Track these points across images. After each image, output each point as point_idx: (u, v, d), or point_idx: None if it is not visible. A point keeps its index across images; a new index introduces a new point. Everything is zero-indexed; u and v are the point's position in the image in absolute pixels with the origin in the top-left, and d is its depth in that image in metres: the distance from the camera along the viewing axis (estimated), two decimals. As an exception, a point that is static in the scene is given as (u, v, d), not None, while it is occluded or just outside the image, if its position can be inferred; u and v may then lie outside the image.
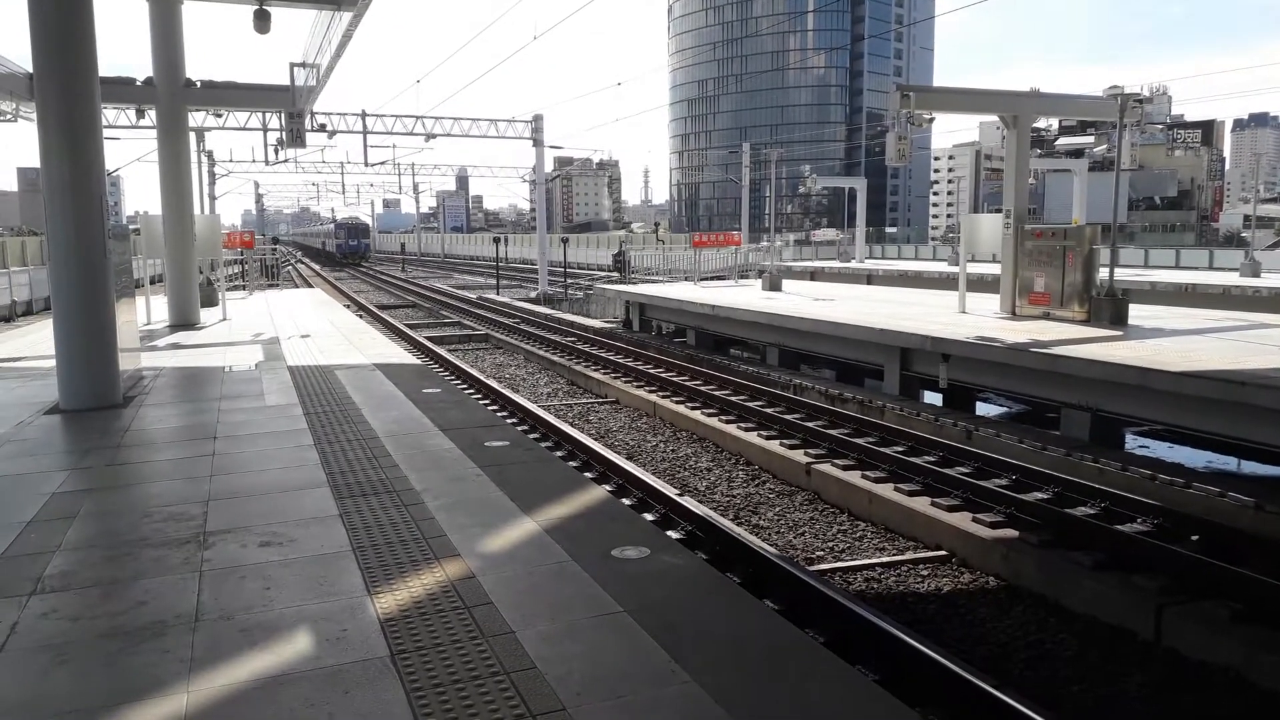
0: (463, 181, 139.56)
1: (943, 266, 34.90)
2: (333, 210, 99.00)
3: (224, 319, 18.04)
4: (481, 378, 15.44)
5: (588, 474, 9.29)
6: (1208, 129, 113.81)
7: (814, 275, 34.57)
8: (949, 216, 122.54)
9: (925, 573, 7.34)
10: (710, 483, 9.93)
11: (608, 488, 8.57)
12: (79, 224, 8.55)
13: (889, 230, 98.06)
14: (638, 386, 14.85)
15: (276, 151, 32.41)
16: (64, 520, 5.30)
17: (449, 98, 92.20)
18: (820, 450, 10.27)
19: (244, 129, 31.79)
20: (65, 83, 8.59)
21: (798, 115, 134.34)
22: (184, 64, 17.24)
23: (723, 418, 12.23)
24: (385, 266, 71.10)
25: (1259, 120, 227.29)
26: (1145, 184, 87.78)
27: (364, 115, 36.60)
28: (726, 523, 7.95)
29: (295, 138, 20.65)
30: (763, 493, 9.56)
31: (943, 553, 7.66)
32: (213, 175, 42.04)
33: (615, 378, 15.75)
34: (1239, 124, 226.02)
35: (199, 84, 17.81)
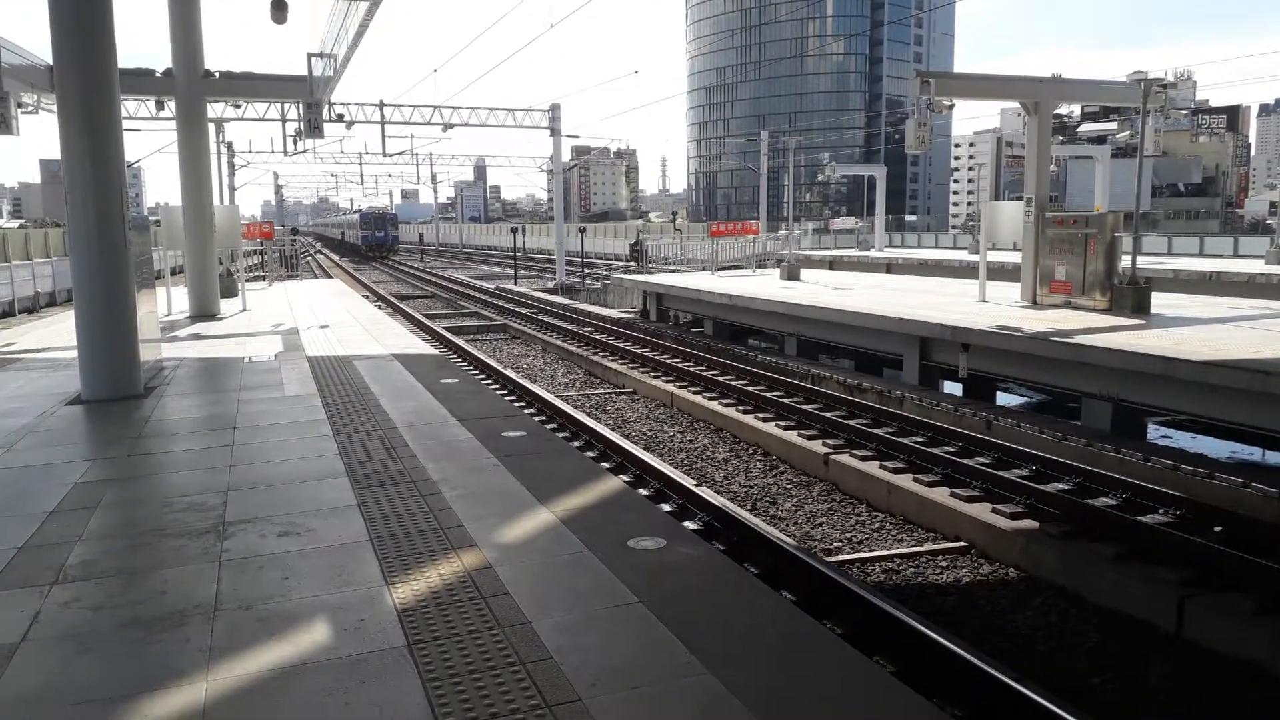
0: (480, 172, 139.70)
1: (963, 255, 34.62)
2: (352, 201, 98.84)
3: (244, 310, 18.16)
4: (499, 368, 15.47)
5: (604, 464, 9.30)
6: (1233, 114, 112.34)
7: (833, 264, 34.40)
8: (969, 204, 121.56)
9: (944, 564, 7.30)
10: (728, 473, 9.91)
11: (624, 478, 8.56)
12: (99, 215, 8.61)
13: (909, 218, 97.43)
14: (655, 377, 14.84)
15: (295, 142, 32.51)
16: (86, 510, 5.35)
17: (466, 87, 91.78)
18: (839, 441, 10.22)
19: (263, 120, 31.81)
20: (85, 75, 8.65)
21: (816, 103, 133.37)
22: (203, 55, 17.33)
23: (740, 408, 12.20)
24: (404, 257, 71.28)
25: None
26: (1169, 170, 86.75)
27: (381, 105, 36.63)
28: (744, 513, 7.93)
29: (313, 128, 20.68)
30: (780, 483, 9.53)
31: (962, 544, 7.62)
32: (232, 166, 42.28)
33: (633, 368, 15.75)
34: (1265, 109, 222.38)
35: (218, 75, 17.90)
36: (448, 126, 38.15)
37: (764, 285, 21.42)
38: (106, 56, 8.79)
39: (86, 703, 3.19)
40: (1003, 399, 13.81)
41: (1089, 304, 14.65)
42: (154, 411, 8.29)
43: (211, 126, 20.70)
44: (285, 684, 3.28)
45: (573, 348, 18.55)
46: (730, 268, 31.31)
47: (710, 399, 12.87)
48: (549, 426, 11.32)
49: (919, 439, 10.08)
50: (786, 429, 10.89)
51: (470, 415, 7.84)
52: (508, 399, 12.89)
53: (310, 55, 17.80)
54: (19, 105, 14.02)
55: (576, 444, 10.41)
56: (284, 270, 32.22)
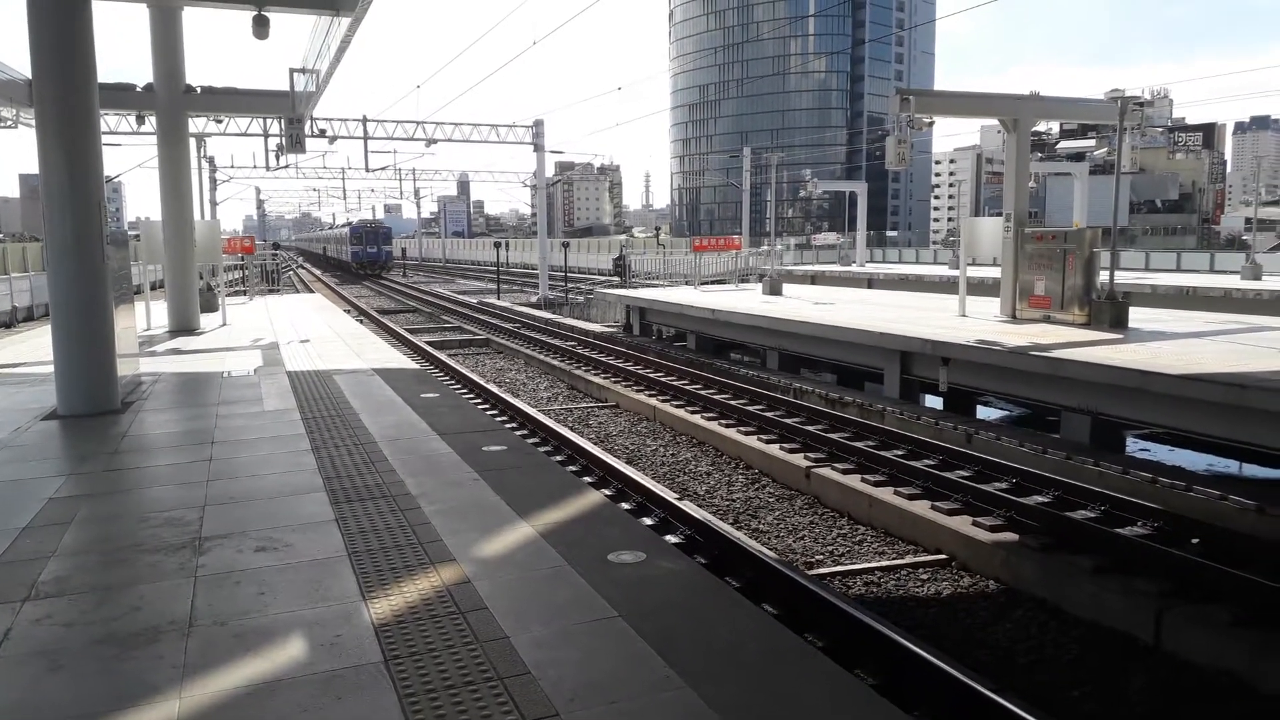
0: (464, 186, 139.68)
1: (943, 270, 34.87)
2: (334, 216, 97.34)
3: (224, 324, 18.04)
4: (481, 382, 15.43)
5: (586, 478, 9.28)
6: (1209, 132, 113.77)
7: (814, 279, 34.56)
8: (950, 220, 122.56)
9: (925, 576, 7.31)
10: (710, 487, 9.91)
11: (606, 492, 8.54)
12: (77, 230, 8.55)
13: (890, 234, 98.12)
14: (638, 391, 14.83)
15: (277, 157, 32.40)
16: (60, 526, 5.29)
17: (450, 103, 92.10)
18: (820, 454, 10.24)
19: (245, 135, 31.77)
20: (64, 89, 8.61)
21: (799, 119, 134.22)
22: (184, 70, 17.27)
23: (723, 422, 12.21)
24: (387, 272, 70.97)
25: (1260, 123, 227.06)
26: (1146, 187, 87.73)
27: (365, 121, 36.61)
28: (726, 527, 7.92)
29: (295, 143, 20.69)
30: (763, 497, 9.53)
31: (943, 556, 7.63)
32: (214, 181, 42.06)
33: (615, 382, 15.74)
34: (1240, 127, 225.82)
35: (199, 90, 17.84)
36: (431, 142, 38.17)
37: (746, 300, 21.48)
38: (86, 71, 8.76)
39: (57, 721, 3.14)
40: (983, 412, 13.88)
41: (1068, 318, 14.77)
42: (131, 426, 8.22)
43: (193, 141, 20.62)
44: (260, 700, 3.25)
45: (555, 362, 18.53)
46: (713, 282, 31.41)
47: (693, 413, 12.88)
48: (530, 441, 11.29)
49: (900, 452, 10.12)
50: (769, 442, 10.90)
51: (451, 430, 7.81)
52: (489, 413, 12.85)
53: (293, 70, 17.79)
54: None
55: (558, 458, 10.38)
56: (265, 285, 32.06)
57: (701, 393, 14.00)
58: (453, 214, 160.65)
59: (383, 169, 52.79)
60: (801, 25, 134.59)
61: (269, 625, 3.87)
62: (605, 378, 16.24)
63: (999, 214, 16.95)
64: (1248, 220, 59.40)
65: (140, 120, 20.43)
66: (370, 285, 53.48)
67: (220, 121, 26.46)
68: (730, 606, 4.15)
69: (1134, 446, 11.93)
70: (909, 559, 7.66)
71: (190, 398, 9.96)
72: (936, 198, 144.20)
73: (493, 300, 35.12)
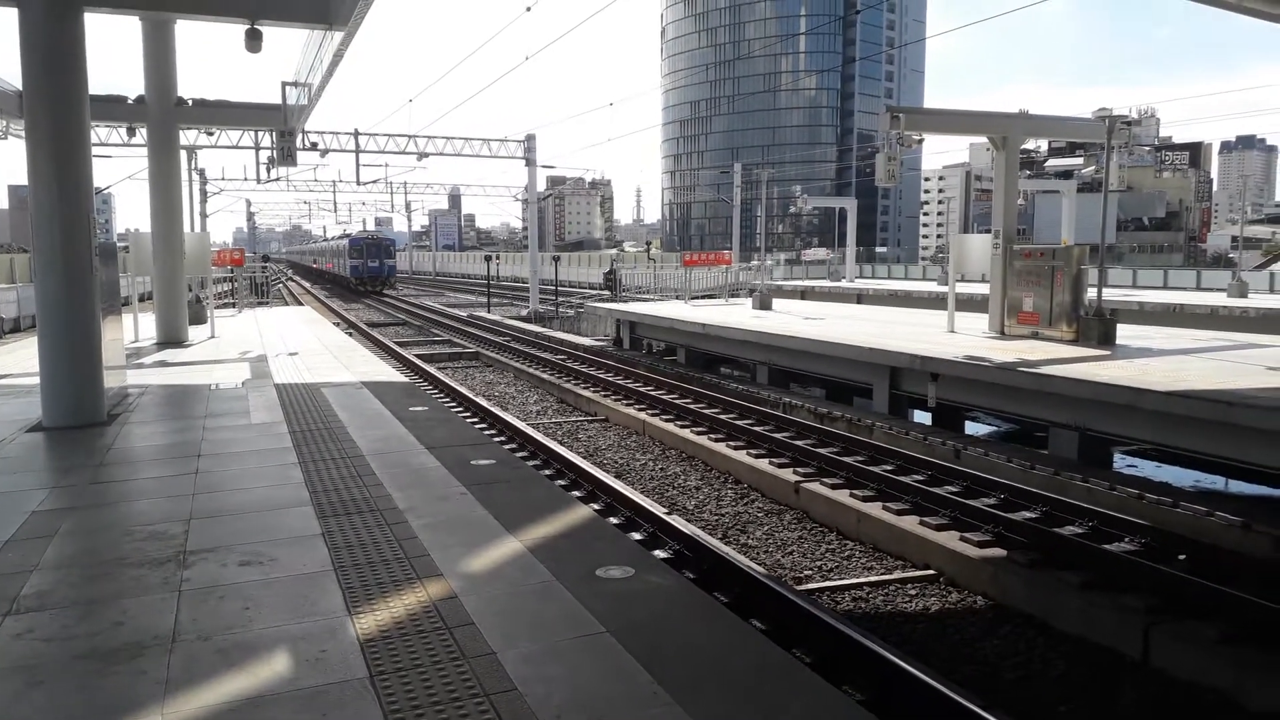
0: (455, 200, 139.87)
1: (932, 286, 35.01)
2: (325, 229, 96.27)
3: (212, 336, 17.97)
4: (470, 395, 15.40)
5: (575, 493, 9.26)
6: (1195, 151, 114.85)
7: (804, 294, 34.65)
8: (939, 237, 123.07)
9: (913, 592, 7.30)
10: (699, 501, 9.89)
11: (595, 506, 8.52)
12: (65, 241, 8.52)
13: (879, 250, 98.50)
14: (627, 404, 14.82)
15: (268, 170, 32.47)
16: (43, 539, 5.24)
17: (441, 117, 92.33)
18: (809, 469, 10.24)
19: (236, 147, 31.79)
20: (55, 101, 8.60)
21: (789, 136, 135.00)
22: (176, 82, 17.27)
23: (712, 436, 12.20)
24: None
25: (1246, 142, 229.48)
26: (1133, 205, 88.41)
27: (356, 134, 36.67)
28: (714, 542, 7.90)
29: (286, 156, 20.69)
30: (751, 511, 9.52)
31: (931, 572, 7.63)
32: (204, 193, 41.99)
33: (605, 396, 15.72)
34: (1226, 146, 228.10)
35: (191, 102, 17.85)
36: (423, 155, 38.26)
37: (736, 315, 21.52)
38: (77, 83, 8.75)
39: (36, 737, 3.11)
40: (971, 428, 13.91)
41: (1056, 335, 14.85)
42: (117, 439, 8.16)
43: (184, 153, 20.58)
44: (244, 716, 3.22)
45: (545, 375, 18.51)
46: (703, 297, 31.44)
47: (682, 427, 12.87)
48: (519, 454, 11.26)
49: (888, 467, 10.12)
50: (758, 457, 10.90)
51: (439, 443, 7.78)
52: (478, 427, 12.82)
53: (285, 84, 17.82)
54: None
55: (547, 472, 10.35)
56: (254, 297, 31.98)
57: (691, 407, 13.99)
58: (444, 227, 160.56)
59: (374, 182, 52.66)
60: (793, 43, 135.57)
61: (253, 640, 3.84)
62: (595, 392, 16.23)
63: (988, 231, 17.05)
64: (1234, 238, 59.89)
65: (131, 132, 20.47)
66: (360, 298, 53.12)
67: (211, 134, 26.49)
68: (718, 622, 4.14)
69: (1121, 463, 11.96)
70: (897, 574, 7.66)
71: (177, 410, 9.91)
72: (926, 214, 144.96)
73: (483, 314, 35.09)
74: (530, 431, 12.33)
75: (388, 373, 13.52)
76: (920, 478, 9.67)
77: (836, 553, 8.25)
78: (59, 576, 4.66)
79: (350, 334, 23.55)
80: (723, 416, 13.18)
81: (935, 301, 26.92)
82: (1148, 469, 11.75)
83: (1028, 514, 8.39)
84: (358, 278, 56.32)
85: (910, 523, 8.26)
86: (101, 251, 9.18)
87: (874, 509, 8.68)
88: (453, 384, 16.84)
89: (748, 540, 8.57)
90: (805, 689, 3.50)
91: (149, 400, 10.42)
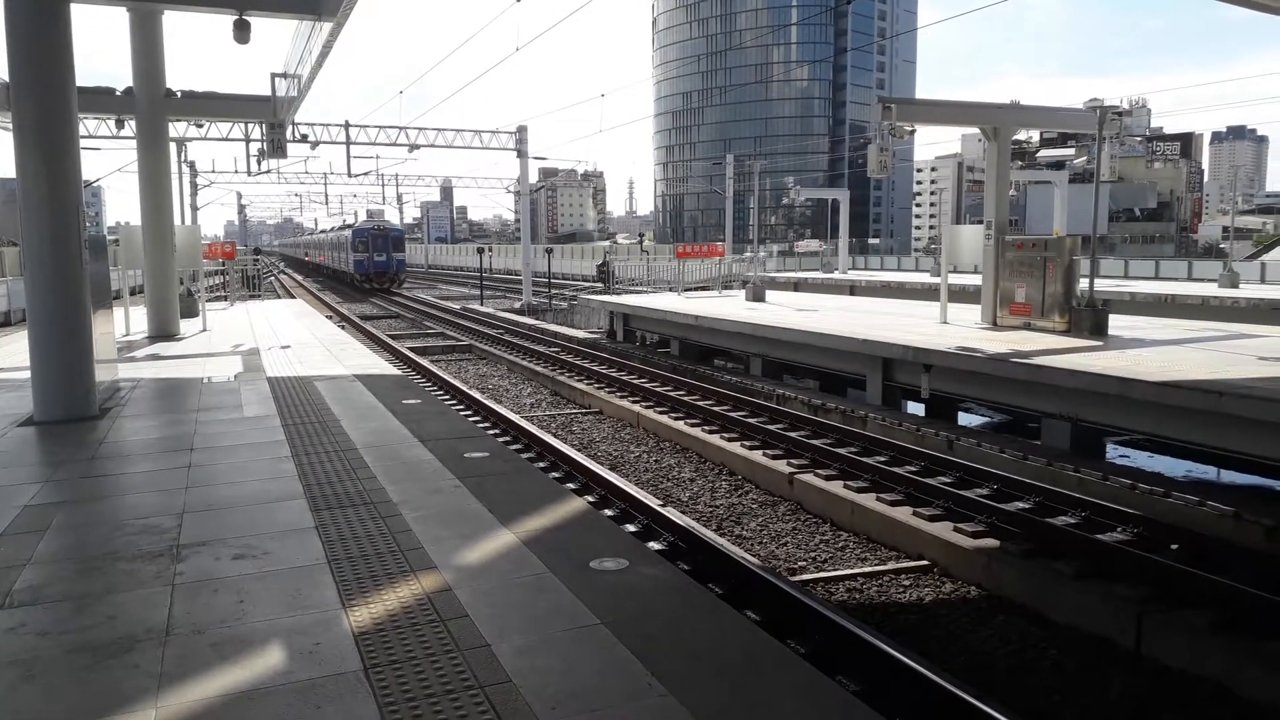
0: (447, 192, 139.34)
1: (925, 277, 35.05)
2: (316, 221, 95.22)
3: (204, 330, 17.90)
4: (463, 388, 15.37)
5: (569, 485, 9.26)
6: (1186, 141, 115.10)
7: (797, 286, 34.66)
8: (931, 228, 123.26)
9: (907, 583, 7.33)
10: (693, 493, 9.90)
11: (589, 499, 8.53)
12: (54, 234, 8.46)
13: (872, 241, 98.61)
14: (621, 397, 14.82)
15: (259, 162, 32.28)
16: (35, 533, 5.22)
17: (432, 108, 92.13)
18: (803, 460, 10.26)
19: (226, 139, 31.60)
20: (42, 93, 8.52)
21: (781, 127, 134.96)
22: (164, 74, 17.15)
23: (706, 428, 12.21)
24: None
25: (1237, 133, 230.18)
26: (1125, 196, 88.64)
27: (347, 126, 36.50)
28: (709, 533, 7.91)
29: (276, 148, 20.53)
30: (746, 503, 9.53)
31: (925, 562, 7.66)
32: (194, 186, 41.79)
33: (599, 388, 15.72)
34: (1217, 136, 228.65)
35: (179, 94, 17.72)
36: (414, 147, 38.15)
37: (730, 306, 21.51)
38: (64, 74, 8.67)
39: (29, 732, 3.09)
40: (964, 419, 13.94)
41: (1048, 325, 14.88)
42: (109, 433, 8.13)
43: (173, 146, 20.45)
44: (237, 710, 3.21)
45: (539, 368, 18.49)
46: (696, 289, 31.45)
47: (676, 419, 12.87)
48: (513, 447, 11.25)
49: (882, 459, 10.14)
50: (752, 449, 10.91)
51: (433, 436, 7.76)
52: (471, 419, 12.81)
53: (274, 75, 17.69)
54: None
55: (541, 464, 10.35)
56: (246, 290, 31.87)
57: (685, 399, 14.00)
58: (436, 219, 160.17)
59: (365, 174, 52.58)
60: (784, 34, 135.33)
61: (247, 634, 3.83)
62: (589, 384, 16.22)
63: (980, 221, 17.07)
64: (1225, 229, 60.11)
65: (120, 124, 20.31)
66: (351, 290, 51.64)
67: (201, 126, 26.26)
68: (713, 613, 4.14)
69: (1114, 453, 12.01)
70: (891, 565, 7.68)
71: (169, 404, 9.87)
72: (918, 205, 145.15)
73: (476, 306, 35.02)
74: (524, 424, 12.32)
75: (381, 365, 13.48)
76: (914, 469, 9.70)
77: (831, 544, 8.27)
78: (52, 571, 4.64)
79: (343, 327, 23.49)
80: (717, 408, 13.18)
81: (928, 293, 26.95)
82: (1140, 459, 11.79)
83: (1021, 504, 8.42)
84: (363, 274, 47.80)
85: (904, 513, 8.29)
86: (91, 244, 9.12)
87: (868, 500, 8.70)
88: (446, 377, 16.81)
89: (742, 532, 8.59)
90: (800, 680, 3.50)
91: (141, 394, 10.38)
